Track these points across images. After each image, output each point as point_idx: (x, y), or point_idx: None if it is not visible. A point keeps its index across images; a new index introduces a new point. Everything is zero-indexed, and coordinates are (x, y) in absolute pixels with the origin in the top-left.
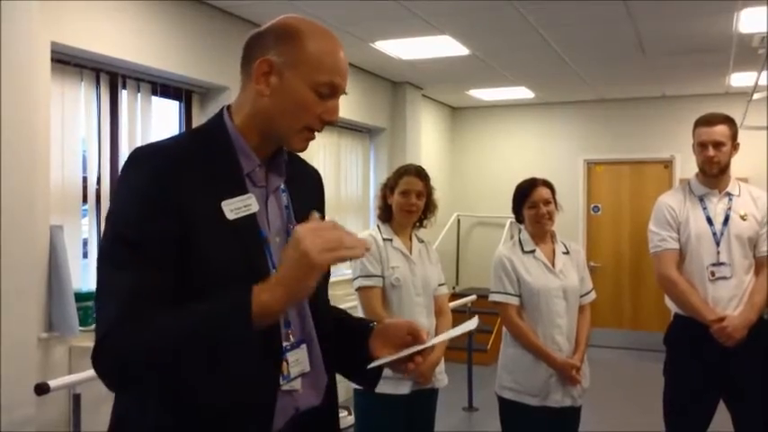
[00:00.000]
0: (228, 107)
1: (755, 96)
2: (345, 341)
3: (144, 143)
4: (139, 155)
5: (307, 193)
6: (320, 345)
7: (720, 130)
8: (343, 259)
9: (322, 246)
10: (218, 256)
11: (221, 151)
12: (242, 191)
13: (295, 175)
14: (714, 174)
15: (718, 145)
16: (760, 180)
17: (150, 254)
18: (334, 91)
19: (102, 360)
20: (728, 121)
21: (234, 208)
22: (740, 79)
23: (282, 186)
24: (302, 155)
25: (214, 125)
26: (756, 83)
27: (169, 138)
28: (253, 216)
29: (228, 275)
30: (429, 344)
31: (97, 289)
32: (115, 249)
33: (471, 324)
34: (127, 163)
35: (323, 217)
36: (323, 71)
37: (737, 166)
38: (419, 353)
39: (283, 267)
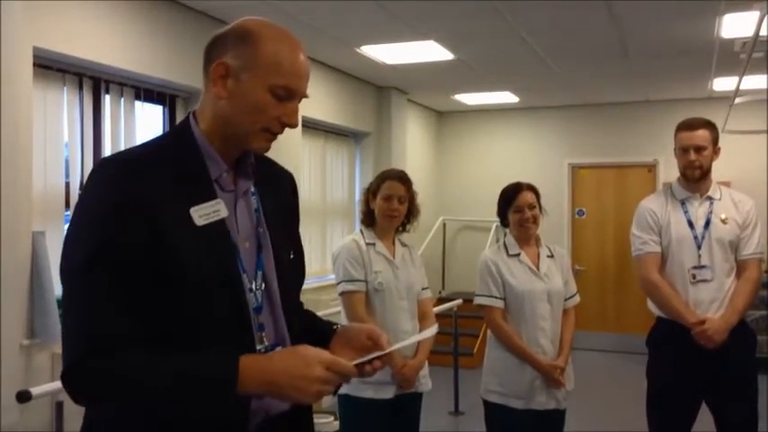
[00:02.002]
0: (195, 112)
1: (737, 101)
2: (308, 343)
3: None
4: (105, 164)
5: (279, 195)
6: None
7: (702, 135)
8: None
9: (321, 394)
10: (189, 264)
11: (188, 157)
12: (211, 196)
13: (265, 178)
14: (696, 178)
15: (699, 149)
16: (742, 184)
17: (119, 264)
18: (292, 94)
19: (71, 384)
20: (709, 125)
21: (203, 214)
22: (722, 84)
23: (252, 189)
24: (286, 157)
25: (180, 131)
26: (738, 87)
27: (136, 146)
28: (222, 222)
29: (201, 282)
30: (388, 350)
31: (64, 304)
32: (82, 262)
33: (431, 331)
34: (92, 173)
35: (297, 219)
36: (279, 74)
37: (720, 170)
38: (378, 358)
39: (281, 377)
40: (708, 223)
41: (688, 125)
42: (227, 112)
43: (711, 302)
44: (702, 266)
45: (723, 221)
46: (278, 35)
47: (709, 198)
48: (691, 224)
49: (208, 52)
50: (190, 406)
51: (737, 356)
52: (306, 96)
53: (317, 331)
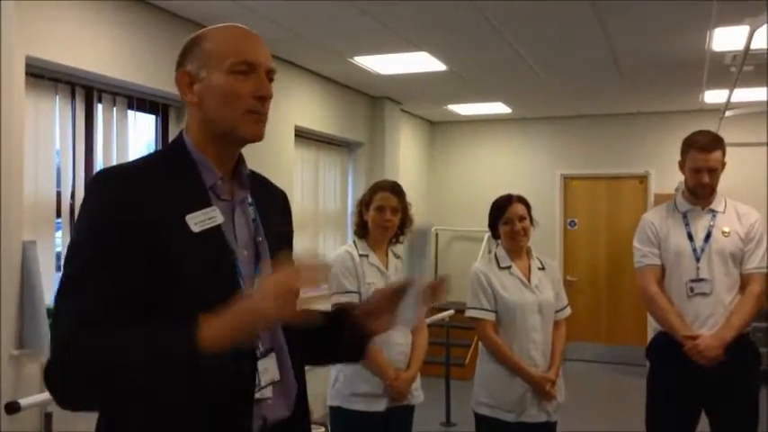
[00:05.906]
0: (184, 128)
1: (728, 113)
2: (328, 333)
3: (120, 157)
4: (102, 175)
5: (273, 211)
6: (290, 355)
7: (716, 157)
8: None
9: (282, 305)
10: (187, 270)
11: (182, 167)
12: (205, 204)
13: (261, 192)
14: (706, 196)
15: (712, 171)
16: (730, 197)
17: (118, 271)
18: (252, 67)
19: (50, 376)
20: (721, 144)
21: (198, 221)
22: (713, 96)
23: (250, 200)
24: (279, 167)
25: (173, 144)
26: (729, 100)
27: (132, 160)
28: (218, 228)
29: (199, 288)
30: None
31: (54, 308)
32: (82, 268)
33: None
34: (90, 184)
35: (290, 238)
36: (229, 54)
37: None
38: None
39: (237, 312)
40: (708, 236)
41: (702, 147)
42: (207, 113)
43: (709, 317)
44: (701, 279)
45: (724, 234)
46: (223, 27)
47: (712, 211)
48: (690, 237)
49: (176, 73)
50: (157, 371)
51: (739, 371)
52: (271, 70)
53: (331, 320)
